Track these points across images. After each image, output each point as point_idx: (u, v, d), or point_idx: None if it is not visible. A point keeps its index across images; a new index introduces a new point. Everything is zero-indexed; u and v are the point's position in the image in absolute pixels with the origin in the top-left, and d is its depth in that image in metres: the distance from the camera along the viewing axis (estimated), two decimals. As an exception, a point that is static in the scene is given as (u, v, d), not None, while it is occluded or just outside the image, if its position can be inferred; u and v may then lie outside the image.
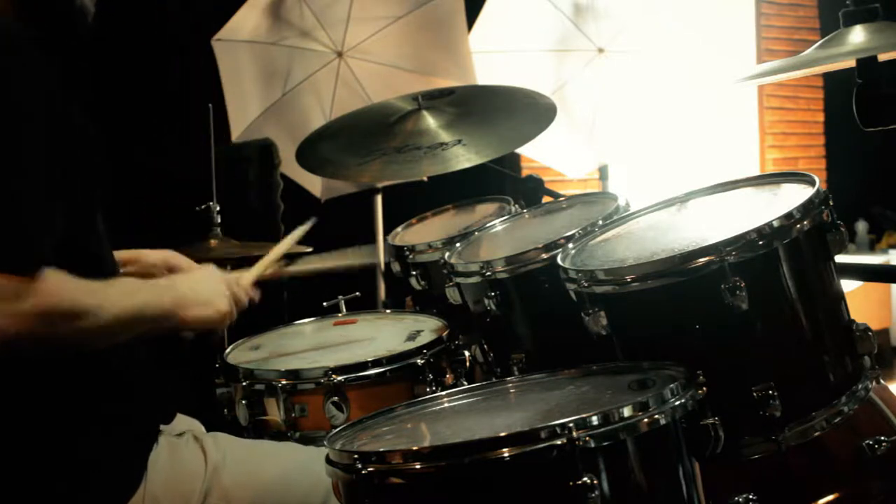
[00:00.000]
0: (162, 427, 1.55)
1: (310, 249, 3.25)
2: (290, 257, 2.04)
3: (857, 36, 1.60)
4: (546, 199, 2.46)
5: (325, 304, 2.37)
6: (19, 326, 1.23)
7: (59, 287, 1.27)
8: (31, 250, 1.25)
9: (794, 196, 1.51)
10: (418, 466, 1.17)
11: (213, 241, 2.81)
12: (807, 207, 1.45)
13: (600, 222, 1.75)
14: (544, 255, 1.70)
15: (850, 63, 1.60)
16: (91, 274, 1.33)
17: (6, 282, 1.22)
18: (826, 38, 1.64)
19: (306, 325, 2.29)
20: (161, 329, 1.48)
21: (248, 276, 1.79)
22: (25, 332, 1.24)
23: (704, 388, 1.28)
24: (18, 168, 1.26)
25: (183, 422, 1.63)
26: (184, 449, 1.55)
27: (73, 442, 1.40)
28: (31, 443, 1.37)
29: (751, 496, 1.37)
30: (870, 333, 1.51)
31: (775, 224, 1.42)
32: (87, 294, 1.31)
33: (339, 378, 1.83)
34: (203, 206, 2.86)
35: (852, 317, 1.53)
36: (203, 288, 1.58)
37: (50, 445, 1.38)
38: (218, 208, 2.86)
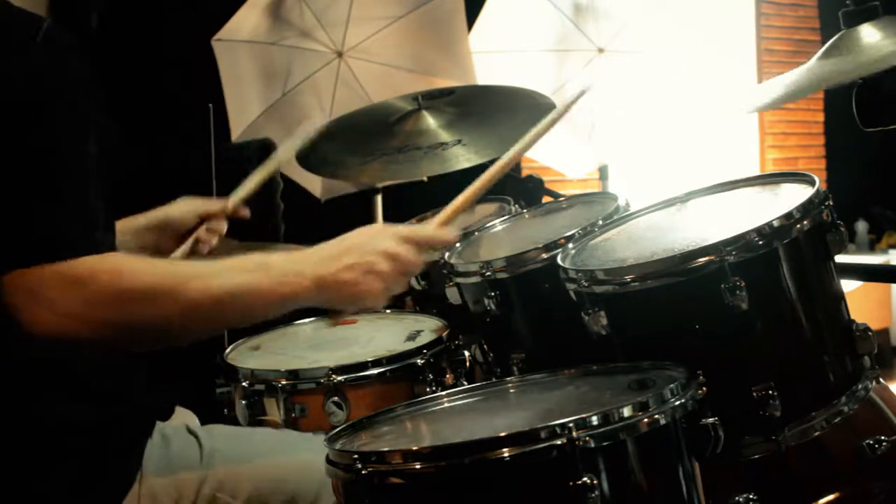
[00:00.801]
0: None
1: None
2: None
3: (869, 36, 1.59)
4: (546, 199, 2.46)
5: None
6: (92, 312, 1.17)
7: (132, 266, 1.20)
8: (94, 231, 1.20)
9: (794, 196, 1.51)
10: (418, 466, 1.17)
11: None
12: (807, 207, 1.45)
13: (600, 222, 1.75)
14: (544, 255, 1.70)
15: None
16: None
17: (70, 269, 1.16)
18: (828, 43, 1.63)
19: (306, 325, 2.29)
20: (282, 309, 1.33)
21: (434, 222, 1.52)
22: (98, 318, 1.17)
23: (704, 388, 1.28)
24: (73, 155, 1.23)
25: (178, 414, 1.63)
26: (177, 441, 1.55)
27: (68, 440, 1.39)
28: (25, 442, 1.36)
29: (751, 496, 1.37)
30: (870, 333, 1.51)
31: (775, 224, 1.42)
32: (165, 274, 1.23)
33: (340, 378, 1.83)
34: (203, 206, 2.85)
35: (852, 317, 1.53)
36: (346, 253, 1.35)
37: (45, 444, 1.37)
38: (218, 208, 2.85)
